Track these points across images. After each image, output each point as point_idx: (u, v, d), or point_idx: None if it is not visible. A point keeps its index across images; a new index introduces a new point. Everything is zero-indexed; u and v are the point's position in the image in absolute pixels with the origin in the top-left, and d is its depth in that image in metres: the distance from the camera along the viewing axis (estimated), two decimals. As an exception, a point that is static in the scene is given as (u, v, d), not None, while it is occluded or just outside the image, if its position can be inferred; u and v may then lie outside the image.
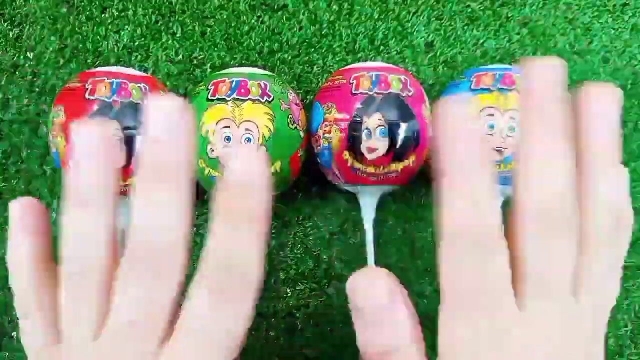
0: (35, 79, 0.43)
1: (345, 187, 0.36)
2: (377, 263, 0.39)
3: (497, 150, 0.34)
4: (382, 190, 0.35)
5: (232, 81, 0.34)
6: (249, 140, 0.33)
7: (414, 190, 0.41)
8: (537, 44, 0.45)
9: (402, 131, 0.33)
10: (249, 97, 0.33)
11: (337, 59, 0.44)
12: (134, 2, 0.44)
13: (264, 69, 0.40)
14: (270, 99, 0.33)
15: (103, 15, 0.44)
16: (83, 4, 0.44)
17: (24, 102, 0.42)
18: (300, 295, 0.39)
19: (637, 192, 0.41)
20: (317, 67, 0.44)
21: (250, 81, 0.34)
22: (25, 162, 0.41)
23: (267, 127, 0.33)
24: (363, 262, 0.39)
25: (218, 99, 0.33)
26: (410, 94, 0.34)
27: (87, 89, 0.33)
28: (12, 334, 0.38)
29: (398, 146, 0.33)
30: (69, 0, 0.45)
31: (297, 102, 0.35)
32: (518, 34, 0.45)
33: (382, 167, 0.33)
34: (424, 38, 0.44)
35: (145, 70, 0.43)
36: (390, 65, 0.36)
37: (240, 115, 0.33)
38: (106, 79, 0.33)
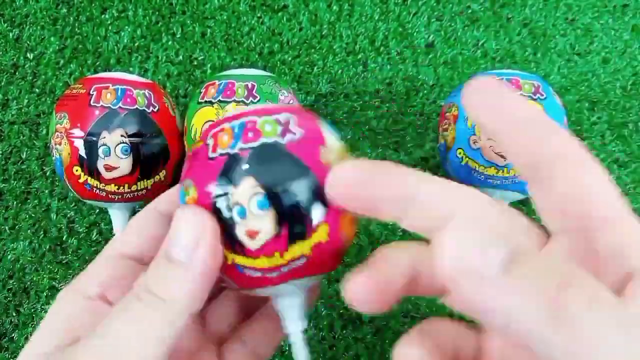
0: (35, 79, 0.43)
1: None
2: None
3: (501, 156, 0.34)
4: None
5: (220, 83, 0.34)
6: None
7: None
8: (537, 45, 0.45)
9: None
10: (234, 98, 0.33)
11: (337, 59, 0.44)
12: (134, 2, 0.44)
13: (264, 69, 0.40)
14: (255, 100, 0.33)
15: (103, 16, 0.44)
16: (83, 4, 0.44)
17: (24, 102, 0.42)
18: (300, 296, 0.39)
19: (638, 193, 0.41)
20: (317, 68, 0.44)
21: (237, 82, 0.34)
22: (25, 162, 0.41)
23: None
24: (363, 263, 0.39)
25: (206, 102, 0.33)
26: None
27: (92, 95, 0.33)
28: (12, 334, 0.38)
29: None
30: (69, 1, 0.45)
31: (291, 102, 0.35)
32: (518, 34, 0.45)
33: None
34: (424, 38, 0.44)
35: (145, 71, 0.43)
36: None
37: None
38: (110, 85, 0.33)
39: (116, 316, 0.18)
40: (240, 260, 0.20)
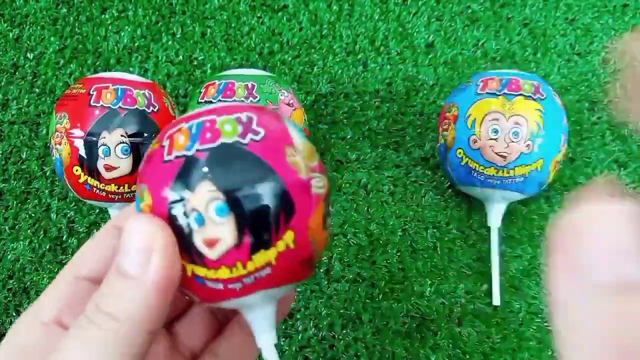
0: (35, 79, 0.43)
1: None
2: (377, 263, 0.39)
3: (501, 156, 0.34)
4: None
5: (220, 83, 0.34)
6: None
7: (415, 191, 0.41)
8: (537, 45, 0.45)
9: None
10: (234, 98, 0.33)
11: (337, 59, 0.44)
12: (134, 2, 0.44)
13: (264, 69, 0.40)
14: (255, 100, 0.33)
15: (103, 16, 0.44)
16: (83, 4, 0.44)
17: (24, 102, 0.42)
18: (300, 296, 0.39)
19: (637, 193, 0.41)
20: (317, 68, 0.43)
21: (237, 82, 0.34)
22: (25, 162, 0.41)
23: None
24: (363, 263, 0.39)
25: (206, 102, 0.34)
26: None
27: (92, 95, 0.33)
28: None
29: None
30: (68, 1, 0.45)
31: (290, 101, 0.35)
32: (518, 34, 0.45)
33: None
34: (424, 38, 0.44)
35: (145, 71, 0.43)
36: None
37: None
38: (110, 85, 0.33)
39: (68, 341, 0.17)
40: (199, 271, 0.18)
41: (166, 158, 0.18)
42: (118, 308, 0.17)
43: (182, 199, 0.18)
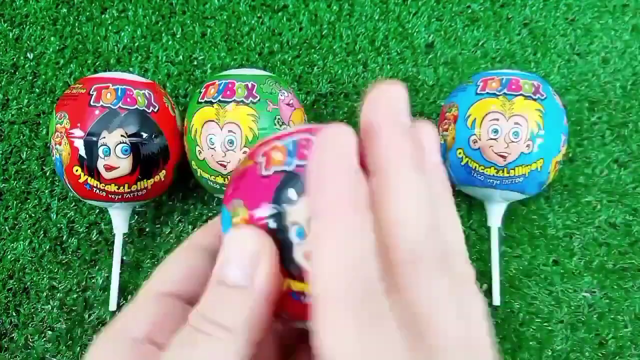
0: (35, 79, 0.43)
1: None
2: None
3: (501, 156, 0.34)
4: None
5: (220, 83, 0.34)
6: (231, 142, 0.33)
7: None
8: (537, 45, 0.45)
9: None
10: (234, 98, 0.33)
11: (337, 60, 0.44)
12: (134, 2, 0.44)
13: (264, 69, 0.40)
14: (255, 100, 0.33)
15: (103, 16, 0.44)
16: (83, 4, 0.44)
17: (24, 102, 0.42)
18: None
19: (638, 193, 0.41)
20: (317, 68, 0.43)
21: (237, 82, 0.34)
22: (25, 162, 0.41)
23: (250, 128, 0.33)
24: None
25: (205, 101, 0.34)
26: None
27: (92, 95, 0.33)
28: (12, 334, 0.38)
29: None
30: (69, 1, 0.45)
31: (290, 101, 0.35)
32: (518, 34, 0.45)
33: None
34: (424, 38, 0.44)
35: (146, 71, 0.43)
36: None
37: (224, 117, 0.33)
38: (110, 85, 0.33)
39: (177, 352, 0.16)
40: (296, 286, 0.18)
41: (264, 173, 0.19)
42: (228, 317, 0.16)
43: (282, 213, 0.18)
